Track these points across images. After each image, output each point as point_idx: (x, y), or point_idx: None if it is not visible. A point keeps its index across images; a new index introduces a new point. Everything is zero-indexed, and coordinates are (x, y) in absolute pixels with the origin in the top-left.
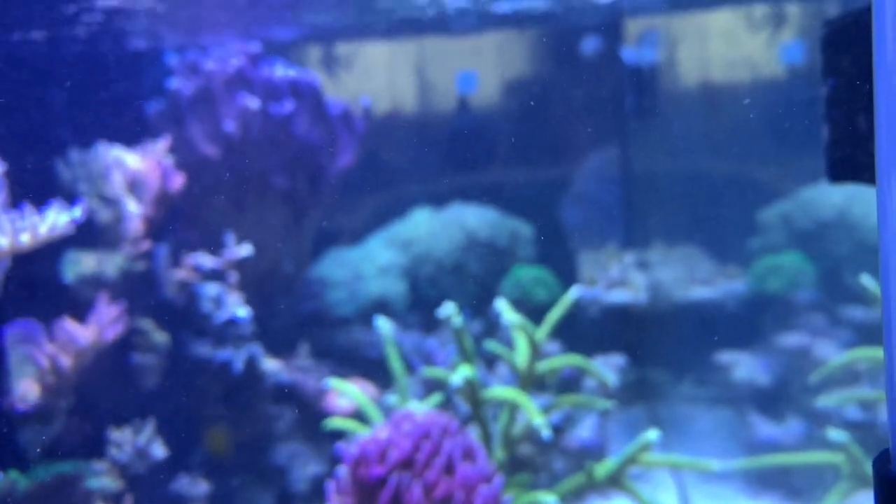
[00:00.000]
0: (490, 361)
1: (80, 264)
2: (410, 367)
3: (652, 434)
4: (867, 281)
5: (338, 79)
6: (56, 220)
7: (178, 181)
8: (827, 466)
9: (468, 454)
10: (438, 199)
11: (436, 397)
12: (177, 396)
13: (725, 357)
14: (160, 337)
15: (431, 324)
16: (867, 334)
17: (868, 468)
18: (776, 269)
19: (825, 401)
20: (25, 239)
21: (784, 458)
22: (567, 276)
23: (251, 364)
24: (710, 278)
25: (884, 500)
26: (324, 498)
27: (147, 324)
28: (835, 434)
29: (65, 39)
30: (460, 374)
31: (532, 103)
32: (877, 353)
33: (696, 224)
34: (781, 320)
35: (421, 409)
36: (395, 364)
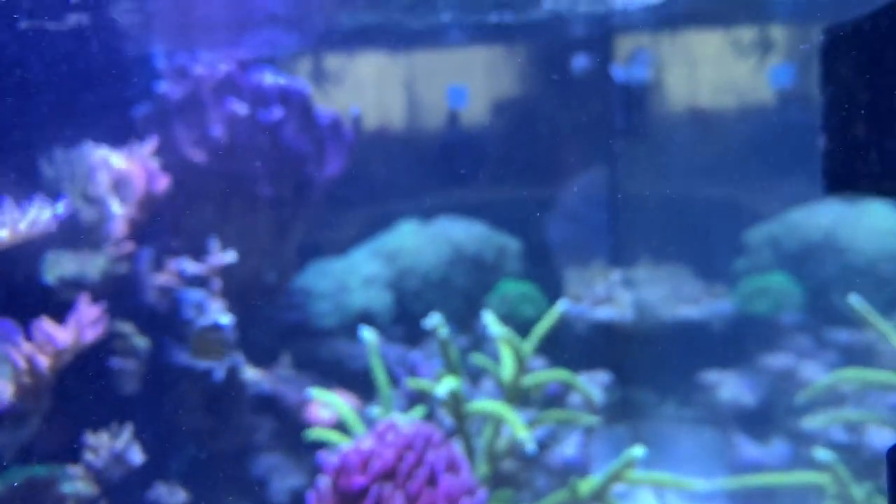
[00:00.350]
0: (474, 377)
1: (61, 265)
2: (394, 380)
3: (637, 450)
4: (856, 301)
5: (328, 92)
6: (38, 216)
7: (163, 183)
8: (812, 487)
9: (452, 466)
10: (426, 213)
11: (419, 410)
12: (156, 403)
13: (710, 377)
14: (141, 341)
15: (416, 337)
16: (852, 356)
17: (854, 490)
18: (763, 290)
19: (810, 422)
20: (4, 234)
21: (770, 479)
22: (553, 293)
23: (232, 373)
24: (696, 298)
25: None
26: None
27: (128, 327)
28: (822, 453)
29: (53, 36)
30: (445, 386)
31: (522, 119)
32: (862, 374)
33: (684, 243)
34: (767, 341)
35: (405, 420)
36: (379, 374)
